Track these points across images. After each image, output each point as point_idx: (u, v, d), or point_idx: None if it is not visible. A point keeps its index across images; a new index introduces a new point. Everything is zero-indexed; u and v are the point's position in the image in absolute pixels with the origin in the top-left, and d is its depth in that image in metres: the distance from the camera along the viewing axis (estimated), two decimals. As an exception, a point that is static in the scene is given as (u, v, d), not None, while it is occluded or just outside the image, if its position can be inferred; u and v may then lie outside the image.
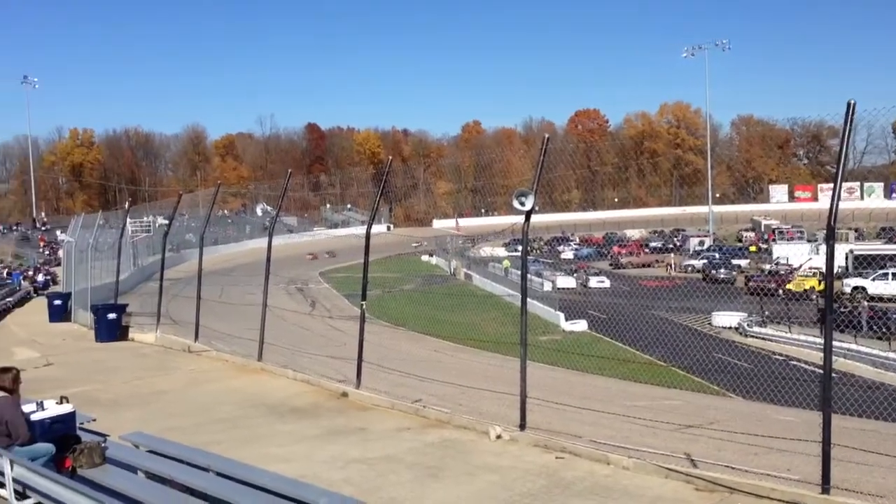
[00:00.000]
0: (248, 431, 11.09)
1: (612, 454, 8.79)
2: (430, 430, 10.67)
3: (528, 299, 10.77)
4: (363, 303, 13.54)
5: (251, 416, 12.20)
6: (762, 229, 77.13)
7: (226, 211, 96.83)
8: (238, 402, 13.28)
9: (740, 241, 73.13)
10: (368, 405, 12.34)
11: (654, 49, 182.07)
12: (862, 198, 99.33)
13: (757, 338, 28.72)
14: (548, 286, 41.45)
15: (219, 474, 6.78)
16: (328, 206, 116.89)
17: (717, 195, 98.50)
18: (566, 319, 32.52)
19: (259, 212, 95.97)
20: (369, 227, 13.48)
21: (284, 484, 6.46)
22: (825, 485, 7.05)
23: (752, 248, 63.80)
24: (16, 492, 5.74)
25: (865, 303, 31.79)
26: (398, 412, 11.74)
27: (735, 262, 50.43)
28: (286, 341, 19.22)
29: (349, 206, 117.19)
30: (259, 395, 13.66)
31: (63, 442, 6.96)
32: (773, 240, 63.32)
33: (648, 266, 54.84)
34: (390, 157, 16.00)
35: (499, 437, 9.95)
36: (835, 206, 7.05)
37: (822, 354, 7.27)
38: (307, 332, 26.12)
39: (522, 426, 9.95)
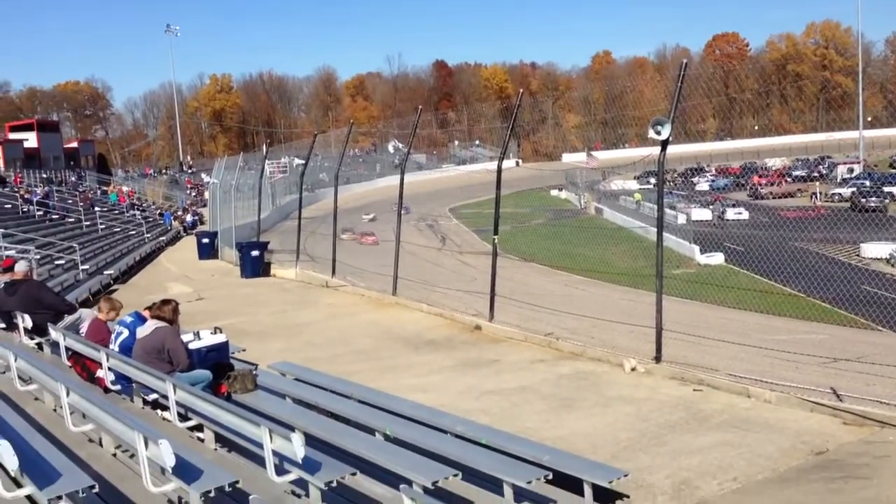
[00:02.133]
0: (385, 362, 11.50)
1: (753, 387, 8.58)
2: (564, 362, 10.72)
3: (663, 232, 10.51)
4: (495, 237, 13.63)
5: (388, 347, 12.63)
6: (920, 154, 71.60)
7: (356, 150, 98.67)
8: (375, 334, 13.76)
9: (894, 167, 68.22)
10: (501, 338, 12.50)
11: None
12: None
13: (912, 269, 26.90)
14: (682, 219, 40.10)
15: (360, 402, 7.09)
16: (456, 142, 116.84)
17: (869, 119, 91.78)
18: (701, 252, 31.54)
19: (391, 149, 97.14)
20: (500, 163, 13.52)
21: (423, 412, 6.70)
22: None
23: (907, 174, 59.42)
24: (179, 414, 6.21)
25: None
26: (531, 345, 11.84)
27: (887, 189, 47.09)
28: (418, 276, 19.60)
29: (477, 142, 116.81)
30: (395, 328, 14.10)
31: (218, 369, 7.47)
32: (933, 164, 58.73)
33: (791, 196, 52.05)
34: (521, 91, 15.83)
35: (633, 369, 9.89)
36: None
37: None
38: (438, 268, 26.51)
39: (658, 358, 9.84)
